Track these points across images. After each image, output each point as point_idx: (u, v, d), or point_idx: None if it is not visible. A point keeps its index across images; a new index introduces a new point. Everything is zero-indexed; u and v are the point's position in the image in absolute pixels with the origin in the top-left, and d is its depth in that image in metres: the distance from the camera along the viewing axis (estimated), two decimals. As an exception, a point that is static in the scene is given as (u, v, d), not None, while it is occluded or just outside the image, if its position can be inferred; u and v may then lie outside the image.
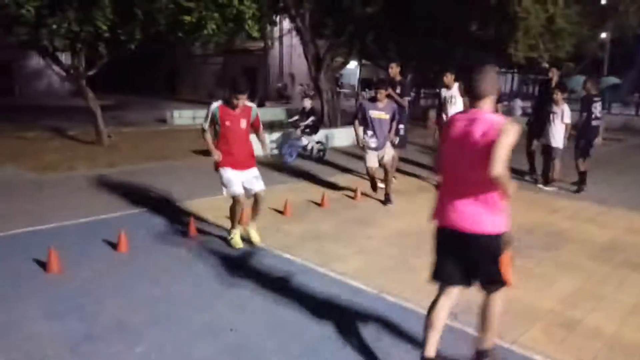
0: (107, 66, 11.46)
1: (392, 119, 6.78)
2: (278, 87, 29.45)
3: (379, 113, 6.67)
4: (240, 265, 4.59)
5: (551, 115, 8.06)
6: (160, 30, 10.05)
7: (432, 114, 13.25)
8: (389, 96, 7.70)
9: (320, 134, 10.94)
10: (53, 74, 21.30)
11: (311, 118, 10.59)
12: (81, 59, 11.29)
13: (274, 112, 20.06)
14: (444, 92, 7.89)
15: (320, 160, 10.26)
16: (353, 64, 26.63)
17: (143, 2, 9.32)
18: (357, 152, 11.10)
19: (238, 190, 4.86)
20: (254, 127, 5.09)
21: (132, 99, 24.37)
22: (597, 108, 8.11)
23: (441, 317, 2.95)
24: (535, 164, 8.91)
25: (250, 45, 26.73)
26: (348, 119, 17.28)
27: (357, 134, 6.83)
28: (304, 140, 10.39)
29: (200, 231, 5.37)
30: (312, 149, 10.41)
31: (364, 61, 22.58)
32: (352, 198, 7.14)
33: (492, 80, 2.77)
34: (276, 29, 24.10)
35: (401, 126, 7.76)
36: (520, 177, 8.63)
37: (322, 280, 4.32)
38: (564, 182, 8.36)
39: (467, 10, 13.72)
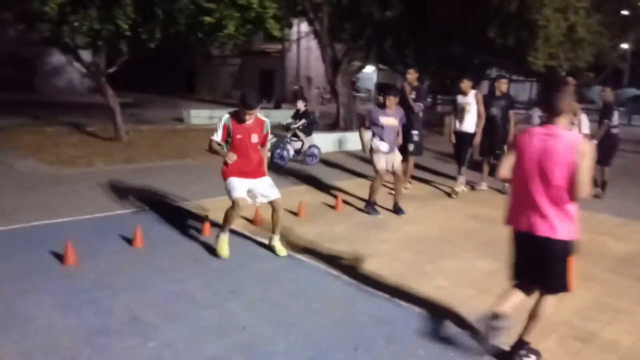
0: (127, 64, 11.62)
1: (401, 125, 6.76)
2: (294, 89, 29.53)
3: (388, 119, 6.57)
4: (253, 265, 4.61)
5: (569, 127, 7.99)
6: (180, 30, 10.16)
7: (448, 120, 13.15)
8: (403, 101, 7.68)
9: (314, 137, 10.59)
10: (73, 70, 21.69)
11: (303, 120, 10.19)
12: (102, 57, 11.44)
13: (289, 114, 20.09)
14: (460, 99, 7.83)
15: (312, 163, 9.98)
16: (370, 69, 26.65)
17: (164, 2, 9.44)
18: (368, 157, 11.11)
19: (240, 194, 4.65)
20: (262, 141, 4.90)
21: (150, 98, 24.64)
22: (615, 116, 8.09)
23: (514, 299, 3.24)
24: None
25: (268, 47, 26.89)
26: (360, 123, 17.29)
27: (363, 141, 6.71)
28: (297, 144, 10.12)
29: (214, 230, 5.39)
30: (304, 152, 10.11)
31: (381, 66, 22.54)
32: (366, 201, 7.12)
33: (570, 98, 3.03)
34: (294, 32, 24.24)
35: (415, 132, 7.73)
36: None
37: (334, 283, 4.32)
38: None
39: (487, 16, 13.63)
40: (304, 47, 27.64)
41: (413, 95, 7.68)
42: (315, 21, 15.54)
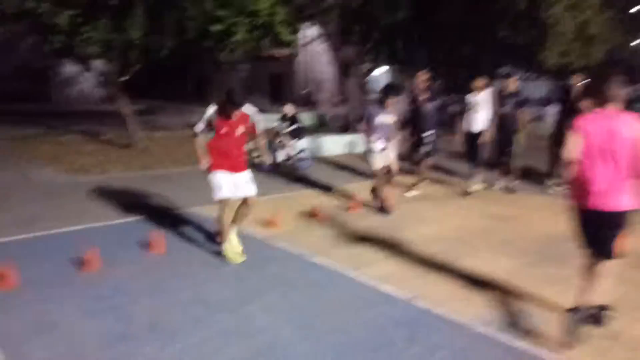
0: (139, 72, 11.73)
1: (396, 121, 6.82)
2: (304, 93, 29.59)
3: (385, 117, 6.65)
4: (270, 268, 4.62)
5: None
6: (190, 38, 10.25)
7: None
8: (414, 102, 7.67)
9: (304, 142, 10.12)
10: (86, 80, 21.94)
11: (293, 126, 9.80)
12: (114, 66, 11.57)
13: (301, 118, 20.16)
14: (471, 98, 7.79)
15: (304, 167, 9.58)
16: (381, 70, 26.59)
17: (174, 11, 9.53)
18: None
19: (228, 193, 4.72)
20: (250, 134, 4.98)
21: (162, 104, 24.83)
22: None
23: (590, 275, 3.52)
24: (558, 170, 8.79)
25: (277, 52, 26.96)
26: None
27: (367, 139, 6.72)
28: (286, 149, 9.69)
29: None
30: (294, 157, 9.70)
31: (392, 67, 22.50)
32: (382, 203, 7.10)
33: (620, 86, 3.33)
34: (303, 35, 24.29)
35: (429, 133, 7.68)
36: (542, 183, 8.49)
37: (353, 285, 4.32)
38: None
39: (496, 16, 13.58)
40: (313, 50, 27.69)
41: (424, 97, 7.63)
42: (325, 24, 15.58)
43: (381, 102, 6.70)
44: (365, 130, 6.72)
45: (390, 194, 6.80)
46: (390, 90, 6.82)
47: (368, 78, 26.14)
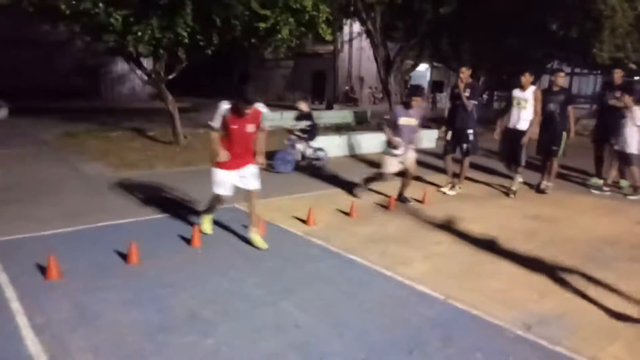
0: (185, 70, 12.02)
1: (420, 122, 6.78)
2: (345, 89, 29.55)
3: (409, 120, 6.59)
4: (306, 265, 4.65)
5: (623, 121, 7.64)
6: (236, 36, 10.41)
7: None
8: (457, 99, 7.52)
9: (320, 141, 9.84)
10: (135, 78, 22.70)
11: (305, 122, 9.41)
12: (162, 64, 11.91)
13: (341, 115, 20.16)
14: (517, 93, 7.46)
15: (320, 169, 9.28)
16: (423, 67, 26.24)
17: (221, 10, 9.70)
18: (419, 157, 10.93)
19: (224, 192, 5.06)
20: (259, 130, 5.05)
21: (206, 102, 25.28)
22: None
23: None
24: (602, 169, 8.45)
25: (320, 48, 27.05)
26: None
27: (390, 136, 6.64)
28: (300, 148, 9.36)
29: (268, 230, 5.49)
30: (309, 157, 9.40)
31: (434, 63, 22.15)
32: (420, 202, 7.03)
33: None
34: (346, 32, 24.23)
35: (470, 131, 7.51)
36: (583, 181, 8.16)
37: (388, 284, 4.29)
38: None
39: (547, 8, 13.10)
40: (356, 47, 27.62)
41: (467, 93, 7.44)
42: (367, 21, 15.49)
43: (406, 103, 6.67)
44: (387, 131, 6.66)
45: (405, 187, 6.94)
46: (415, 91, 6.81)
47: (411, 74, 25.87)
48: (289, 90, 31.61)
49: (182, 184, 7.67)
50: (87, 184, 7.68)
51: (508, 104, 7.67)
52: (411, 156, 6.78)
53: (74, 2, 9.11)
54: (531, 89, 7.36)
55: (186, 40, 9.90)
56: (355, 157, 11.02)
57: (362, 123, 17.77)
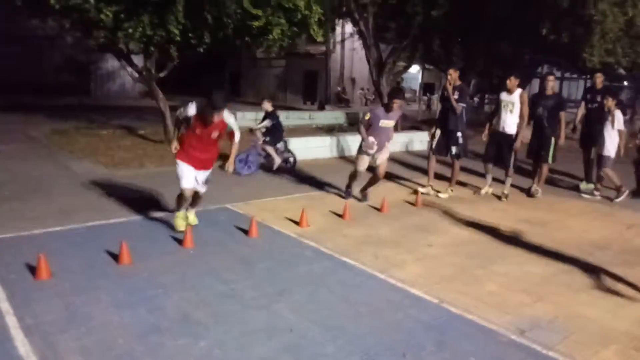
0: (175, 68, 11.93)
1: (396, 122, 6.87)
2: (337, 90, 29.55)
3: (388, 122, 6.63)
4: (299, 267, 4.62)
5: (604, 123, 7.79)
6: (228, 34, 10.35)
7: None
8: (445, 101, 7.50)
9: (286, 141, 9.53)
10: (126, 75, 22.50)
11: (266, 122, 8.98)
12: (153, 62, 11.81)
13: (334, 116, 20.18)
14: (504, 96, 7.48)
15: (289, 171, 9.03)
16: (415, 69, 26.31)
17: (213, 7, 9.64)
18: (409, 160, 10.97)
19: (187, 184, 5.10)
20: (228, 136, 5.19)
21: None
22: None
23: None
24: (591, 174, 8.55)
25: (312, 48, 27.02)
26: (408, 124, 17.10)
27: (364, 137, 6.62)
28: (265, 149, 8.97)
29: (260, 231, 5.45)
30: (274, 158, 9.00)
31: (426, 65, 22.24)
32: (413, 204, 7.04)
33: None
34: (338, 33, 24.23)
35: (459, 134, 7.51)
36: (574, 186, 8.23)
37: (382, 287, 4.28)
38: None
39: (538, 13, 13.19)
40: (348, 47, 27.61)
41: (456, 96, 7.40)
42: (360, 21, 15.50)
43: (387, 106, 6.69)
44: (363, 131, 6.62)
45: (370, 186, 7.03)
46: (395, 93, 6.86)
47: (403, 76, 25.92)
48: (281, 90, 31.55)
49: (173, 183, 7.57)
50: (77, 182, 7.59)
51: (497, 107, 7.68)
52: (384, 157, 6.79)
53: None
54: (517, 92, 7.36)
55: (178, 38, 9.82)
56: (345, 158, 11.01)
57: (354, 124, 17.77)
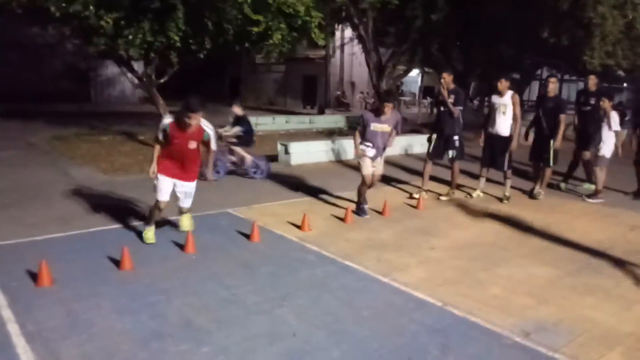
0: (176, 74, 11.95)
1: (393, 130, 6.45)
2: (337, 94, 29.57)
3: (381, 126, 6.30)
4: (301, 271, 4.60)
5: (601, 124, 7.84)
6: (228, 40, 10.36)
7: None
8: (442, 105, 7.44)
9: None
10: (126, 81, 22.57)
11: (237, 128, 8.51)
12: (153, 68, 11.83)
13: (334, 120, 20.18)
14: (495, 99, 7.46)
15: (258, 177, 8.65)
16: (415, 72, 26.35)
17: (213, 14, 9.65)
18: (409, 163, 10.95)
19: (163, 198, 5.05)
20: (204, 145, 5.10)
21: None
22: None
23: None
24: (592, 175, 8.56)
25: (312, 53, 27.05)
26: (408, 127, 17.10)
27: (355, 142, 6.47)
28: (234, 149, 8.61)
29: (262, 236, 5.43)
30: (245, 156, 8.62)
31: (426, 69, 22.26)
32: (415, 207, 7.02)
33: None
34: (338, 37, 24.27)
35: (456, 137, 7.47)
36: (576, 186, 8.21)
37: (385, 290, 4.26)
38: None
39: (538, 16, 13.21)
40: (347, 52, 27.64)
41: (451, 100, 7.34)
42: (359, 26, 15.52)
43: (377, 110, 6.41)
44: (357, 136, 6.45)
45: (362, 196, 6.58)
46: (386, 97, 6.57)
47: (403, 80, 25.95)
48: (281, 95, 31.57)
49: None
50: (78, 188, 7.57)
51: (490, 111, 7.63)
52: (379, 166, 6.53)
53: (63, 5, 9.02)
54: (509, 94, 7.32)
55: (178, 44, 9.84)
56: (345, 162, 10.98)
57: (354, 128, 17.76)
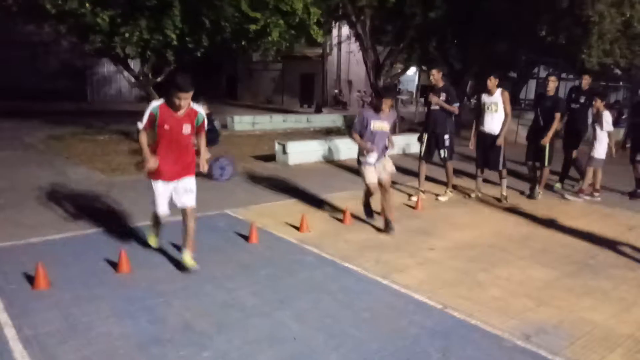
0: (172, 72, 11.89)
1: (392, 127, 6.04)
2: (334, 93, 29.55)
3: (381, 124, 5.81)
4: (300, 273, 4.58)
5: (594, 125, 7.87)
6: (225, 38, 10.32)
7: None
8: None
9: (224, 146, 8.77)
10: (122, 79, 22.49)
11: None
12: (150, 66, 11.77)
13: (331, 118, 20.16)
14: (485, 98, 7.36)
15: (222, 179, 8.38)
16: (412, 70, 26.33)
17: (210, 11, 9.61)
18: (407, 163, 10.92)
19: (163, 210, 4.51)
20: (197, 132, 4.47)
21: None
22: None
23: None
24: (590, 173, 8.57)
25: (309, 51, 27.02)
26: (406, 126, 17.09)
27: (359, 143, 5.86)
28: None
29: (261, 237, 5.41)
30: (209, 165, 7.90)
31: (423, 67, 22.24)
32: (414, 208, 7.01)
33: None
34: (335, 35, 24.23)
35: (447, 136, 7.41)
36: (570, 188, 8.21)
37: (384, 292, 4.24)
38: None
39: (535, 14, 13.19)
40: (344, 50, 27.63)
41: (443, 97, 7.21)
42: (357, 24, 15.48)
43: (376, 107, 5.89)
44: (356, 137, 5.88)
45: (387, 208, 5.99)
46: (386, 92, 6.06)
47: (400, 78, 25.93)
48: (278, 94, 31.53)
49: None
50: (75, 189, 7.52)
51: (480, 110, 7.49)
52: (389, 167, 5.99)
53: (59, 2, 8.96)
54: (498, 91, 7.23)
55: (175, 42, 9.79)
56: (343, 161, 10.95)
57: (351, 126, 17.74)
